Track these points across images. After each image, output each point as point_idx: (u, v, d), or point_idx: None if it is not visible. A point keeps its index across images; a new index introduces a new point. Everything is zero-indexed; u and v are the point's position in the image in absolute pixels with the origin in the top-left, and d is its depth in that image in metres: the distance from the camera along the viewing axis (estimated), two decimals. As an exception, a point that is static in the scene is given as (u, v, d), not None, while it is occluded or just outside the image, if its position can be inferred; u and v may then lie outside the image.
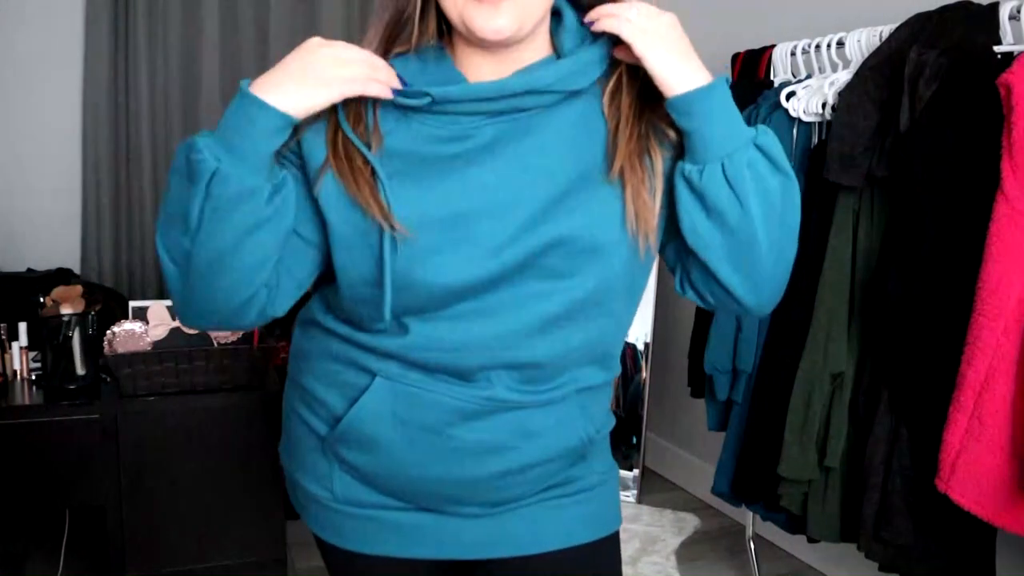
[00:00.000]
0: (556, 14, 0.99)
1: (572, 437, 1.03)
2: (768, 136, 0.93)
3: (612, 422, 1.13)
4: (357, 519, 1.07)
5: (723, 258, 0.94)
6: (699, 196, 0.92)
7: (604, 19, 0.92)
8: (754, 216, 0.91)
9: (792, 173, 0.94)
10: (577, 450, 1.05)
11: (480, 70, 0.97)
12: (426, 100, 0.92)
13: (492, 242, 0.92)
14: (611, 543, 1.11)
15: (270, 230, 0.92)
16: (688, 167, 0.92)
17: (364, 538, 1.08)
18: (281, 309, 1.00)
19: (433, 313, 0.95)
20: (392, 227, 0.90)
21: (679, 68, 0.91)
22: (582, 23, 0.97)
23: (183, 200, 0.89)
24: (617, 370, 1.09)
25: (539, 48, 0.98)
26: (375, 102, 0.94)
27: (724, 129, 0.90)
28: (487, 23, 0.90)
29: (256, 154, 0.88)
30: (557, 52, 0.99)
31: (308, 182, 0.95)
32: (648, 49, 0.90)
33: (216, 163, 0.87)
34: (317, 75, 0.88)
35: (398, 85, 0.92)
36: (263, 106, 0.87)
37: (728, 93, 0.92)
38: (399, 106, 0.94)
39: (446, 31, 0.99)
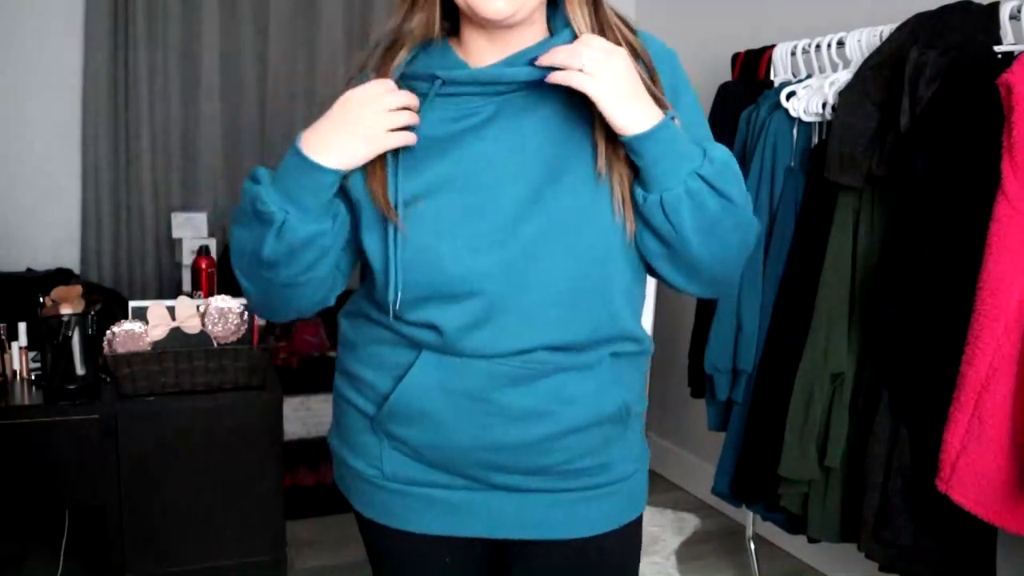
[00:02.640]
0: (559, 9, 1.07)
1: (609, 403, 1.10)
2: (714, 166, 1.00)
3: (646, 401, 1.20)
4: (405, 496, 1.13)
5: (663, 263, 1.06)
6: (641, 215, 1.02)
7: (555, 74, 0.98)
8: (688, 237, 1.01)
9: (733, 195, 1.02)
10: (614, 417, 1.11)
11: (483, 55, 1.06)
12: (437, 83, 1.02)
13: (488, 224, 1.01)
14: (636, 524, 1.20)
15: (334, 253, 1.06)
16: (637, 190, 1.01)
17: (410, 516, 1.13)
18: (334, 299, 1.13)
19: (458, 305, 1.02)
20: (392, 214, 1.01)
21: (627, 112, 0.97)
22: (533, 62, 1.01)
23: (256, 241, 1.01)
24: (648, 342, 1.15)
25: (536, 31, 1.06)
26: None
27: (665, 167, 0.99)
28: (488, 5, 0.98)
29: (318, 205, 1.01)
30: (552, 34, 1.07)
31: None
32: (599, 97, 0.97)
33: (284, 215, 0.99)
34: (362, 132, 0.99)
35: (416, 119, 1.02)
36: (318, 167, 0.99)
37: (673, 131, 0.99)
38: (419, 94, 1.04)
39: (444, 26, 1.07)
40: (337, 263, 1.09)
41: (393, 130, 1.00)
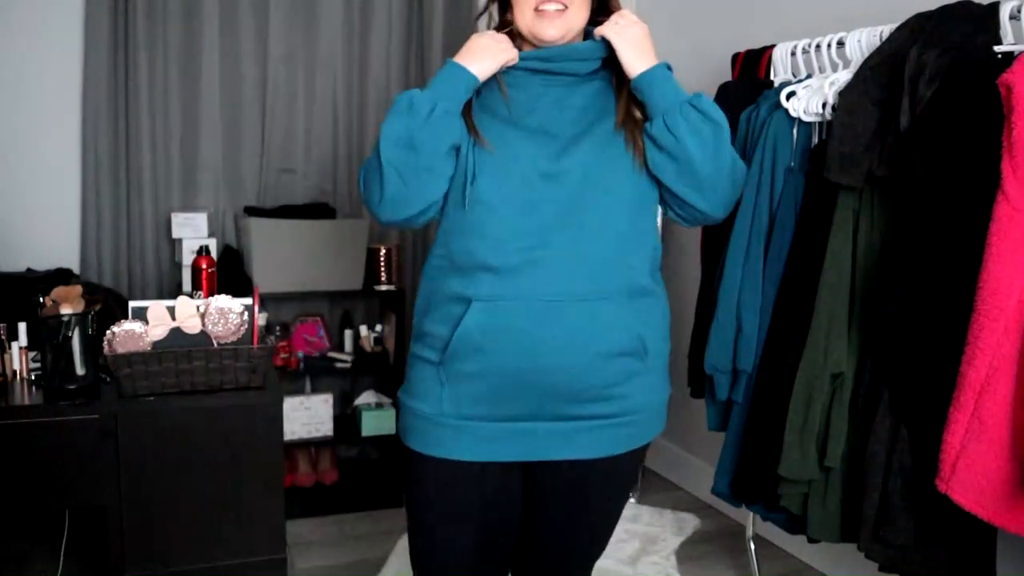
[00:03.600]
0: (587, 36, 1.51)
1: (625, 334, 1.42)
2: (703, 100, 1.41)
3: (667, 347, 1.52)
4: (458, 430, 1.44)
5: (674, 178, 1.42)
6: (652, 140, 1.41)
7: (597, 29, 1.47)
8: (689, 147, 1.38)
9: (721, 122, 1.41)
10: (632, 350, 1.43)
11: None
12: (520, 56, 1.47)
13: (536, 155, 1.41)
14: (642, 449, 1.53)
15: (452, 156, 1.42)
16: (647, 125, 1.42)
17: (462, 446, 1.44)
18: (439, 210, 1.47)
19: (499, 209, 1.39)
20: (477, 136, 1.43)
21: (636, 57, 1.43)
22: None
23: (410, 127, 1.38)
24: (658, 285, 1.50)
25: None
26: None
27: (662, 96, 1.41)
28: (546, 31, 1.43)
29: (458, 100, 1.41)
30: None
31: None
32: (618, 45, 1.43)
33: (433, 104, 1.38)
34: (487, 53, 1.43)
35: (515, 51, 1.47)
36: (466, 70, 1.42)
37: (667, 74, 1.43)
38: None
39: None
40: (446, 173, 1.43)
41: (505, 50, 1.43)
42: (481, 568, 1.56)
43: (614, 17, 1.46)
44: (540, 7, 1.42)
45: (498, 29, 1.49)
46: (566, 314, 1.38)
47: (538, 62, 1.46)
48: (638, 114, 1.45)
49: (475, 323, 1.39)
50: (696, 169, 1.39)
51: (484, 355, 1.39)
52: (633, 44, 1.42)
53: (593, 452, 1.45)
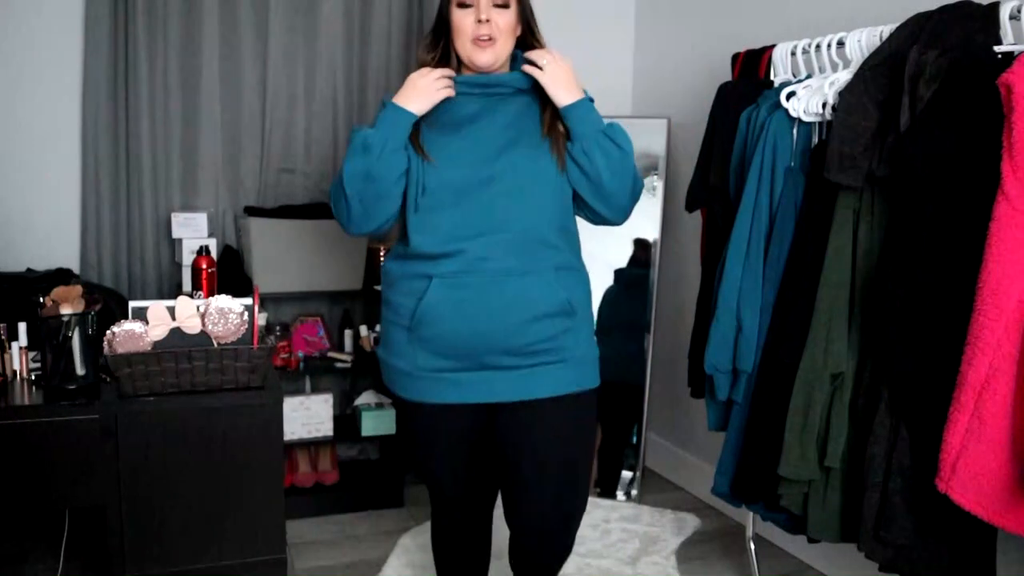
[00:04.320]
0: (516, 58, 1.83)
1: (555, 298, 1.74)
2: (614, 129, 1.77)
3: (591, 316, 1.88)
4: (428, 380, 1.77)
5: (585, 190, 1.77)
6: (572, 158, 1.75)
7: (525, 65, 1.78)
8: (600, 169, 1.74)
9: (627, 149, 1.76)
10: (562, 311, 1.75)
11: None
12: (457, 80, 1.79)
13: (475, 160, 1.72)
14: (590, 395, 1.83)
15: (402, 179, 1.74)
16: (568, 145, 1.76)
17: (433, 392, 1.78)
18: (394, 223, 1.80)
19: (447, 209, 1.71)
20: (424, 155, 1.74)
21: (562, 91, 1.75)
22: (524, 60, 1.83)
23: (366, 163, 1.70)
24: (581, 263, 1.85)
25: (503, 70, 1.81)
26: None
27: (584, 126, 1.74)
28: (480, 58, 1.76)
29: (400, 138, 1.73)
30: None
31: None
32: (545, 83, 1.75)
33: (384, 143, 1.71)
34: (425, 92, 1.75)
35: (452, 91, 1.79)
36: (405, 112, 1.74)
37: (589, 106, 1.76)
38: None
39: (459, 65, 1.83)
40: (399, 193, 1.74)
41: (439, 89, 1.75)
42: (472, 488, 1.93)
43: (541, 55, 1.76)
44: (475, 38, 1.74)
45: (431, 53, 1.80)
46: (507, 286, 1.71)
47: (472, 87, 1.77)
48: (560, 127, 1.76)
49: (435, 297, 1.72)
50: (603, 185, 1.75)
51: (444, 322, 1.72)
52: (558, 81, 1.74)
53: (543, 391, 1.76)
